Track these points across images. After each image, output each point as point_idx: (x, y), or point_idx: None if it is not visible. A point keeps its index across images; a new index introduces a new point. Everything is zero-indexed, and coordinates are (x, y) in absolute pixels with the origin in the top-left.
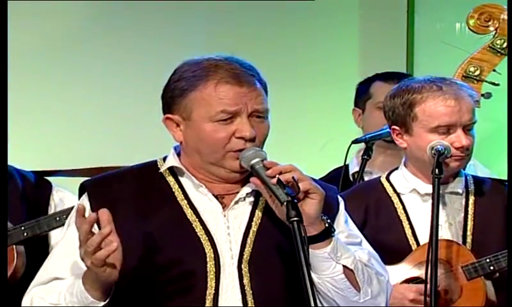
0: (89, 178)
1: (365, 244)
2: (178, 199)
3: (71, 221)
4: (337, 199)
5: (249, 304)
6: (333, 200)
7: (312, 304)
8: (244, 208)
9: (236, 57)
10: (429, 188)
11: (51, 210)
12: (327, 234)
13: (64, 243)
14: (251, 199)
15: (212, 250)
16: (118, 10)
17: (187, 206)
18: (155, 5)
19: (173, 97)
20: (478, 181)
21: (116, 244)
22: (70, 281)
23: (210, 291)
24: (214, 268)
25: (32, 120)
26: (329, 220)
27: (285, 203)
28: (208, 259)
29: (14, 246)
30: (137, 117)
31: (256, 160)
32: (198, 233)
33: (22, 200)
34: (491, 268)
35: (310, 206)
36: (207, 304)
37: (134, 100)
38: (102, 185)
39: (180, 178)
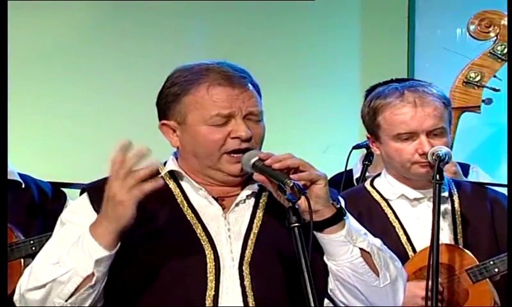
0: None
1: (371, 236)
2: (178, 201)
3: (68, 219)
4: (338, 200)
5: (251, 306)
6: (333, 200)
7: (312, 305)
8: (245, 210)
9: (228, 61)
10: (417, 194)
11: None
12: (340, 215)
13: (61, 235)
14: (252, 201)
15: (212, 251)
16: (123, 15)
17: (188, 208)
18: (155, 10)
19: (167, 103)
20: (459, 185)
21: (158, 163)
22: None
23: (210, 292)
24: (214, 270)
25: (53, 131)
26: (339, 204)
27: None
28: (208, 261)
29: (22, 259)
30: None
31: (255, 158)
32: (199, 235)
33: (37, 211)
34: (496, 270)
35: (318, 191)
36: (207, 306)
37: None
38: (102, 189)
39: (180, 181)
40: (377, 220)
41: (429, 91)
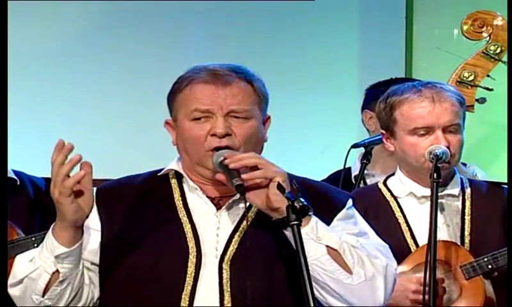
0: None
1: (347, 235)
2: (175, 200)
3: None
4: (342, 201)
5: (226, 303)
6: (338, 201)
7: (311, 305)
8: (238, 210)
9: (234, 63)
10: (425, 191)
11: None
12: (303, 211)
13: None
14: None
15: (195, 248)
16: (123, 17)
17: (182, 207)
18: (156, 11)
19: (168, 102)
20: (474, 184)
21: (83, 172)
22: None
23: (187, 287)
24: (194, 266)
25: (45, 127)
26: (305, 202)
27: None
28: (190, 257)
29: None
30: (152, 125)
31: (221, 158)
32: (186, 232)
33: (33, 208)
34: (489, 266)
35: (274, 189)
36: (183, 302)
37: (149, 108)
38: (111, 187)
39: (181, 180)
40: (383, 217)
41: (446, 88)
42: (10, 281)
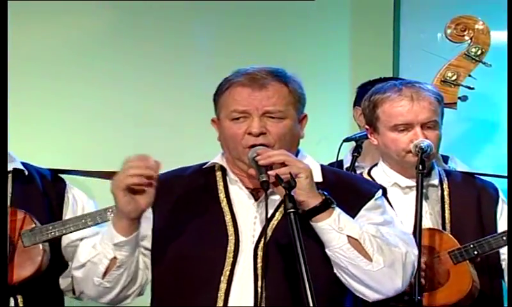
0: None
1: (398, 226)
2: (218, 191)
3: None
4: (371, 192)
5: (259, 287)
6: (366, 192)
7: (308, 294)
8: (274, 201)
9: (274, 66)
10: (409, 182)
11: (66, 206)
12: (326, 204)
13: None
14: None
15: (234, 236)
16: (143, 13)
17: (224, 197)
18: (166, 13)
19: (214, 101)
20: (449, 174)
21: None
22: None
23: (226, 272)
24: (233, 252)
25: (52, 120)
26: (328, 195)
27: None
28: (229, 244)
29: (41, 244)
30: (157, 124)
31: (254, 155)
32: (226, 221)
33: (43, 197)
34: (475, 252)
35: (299, 183)
36: (222, 285)
37: (152, 103)
38: (163, 179)
39: (225, 173)
40: None
41: (424, 88)
42: (74, 264)
